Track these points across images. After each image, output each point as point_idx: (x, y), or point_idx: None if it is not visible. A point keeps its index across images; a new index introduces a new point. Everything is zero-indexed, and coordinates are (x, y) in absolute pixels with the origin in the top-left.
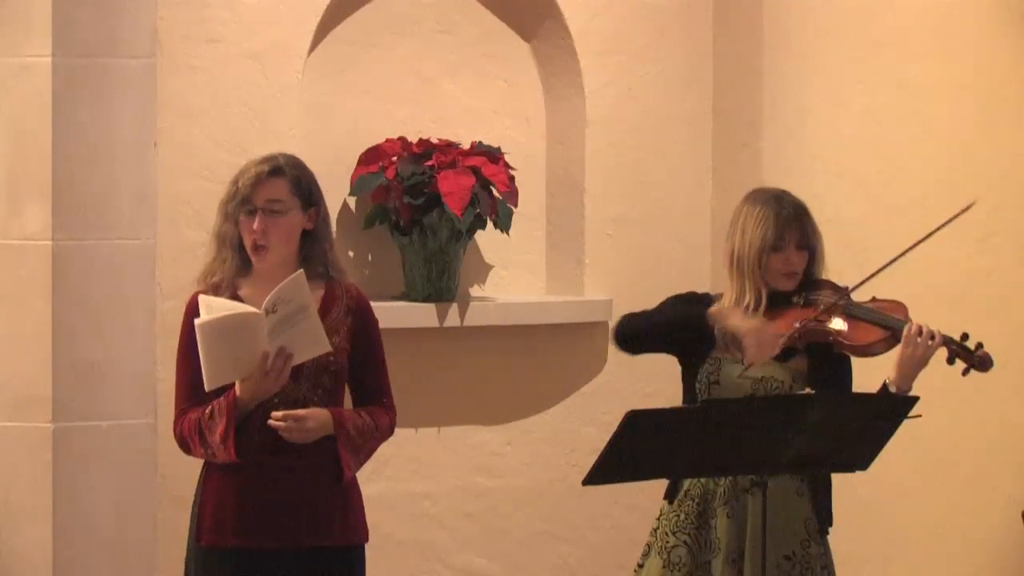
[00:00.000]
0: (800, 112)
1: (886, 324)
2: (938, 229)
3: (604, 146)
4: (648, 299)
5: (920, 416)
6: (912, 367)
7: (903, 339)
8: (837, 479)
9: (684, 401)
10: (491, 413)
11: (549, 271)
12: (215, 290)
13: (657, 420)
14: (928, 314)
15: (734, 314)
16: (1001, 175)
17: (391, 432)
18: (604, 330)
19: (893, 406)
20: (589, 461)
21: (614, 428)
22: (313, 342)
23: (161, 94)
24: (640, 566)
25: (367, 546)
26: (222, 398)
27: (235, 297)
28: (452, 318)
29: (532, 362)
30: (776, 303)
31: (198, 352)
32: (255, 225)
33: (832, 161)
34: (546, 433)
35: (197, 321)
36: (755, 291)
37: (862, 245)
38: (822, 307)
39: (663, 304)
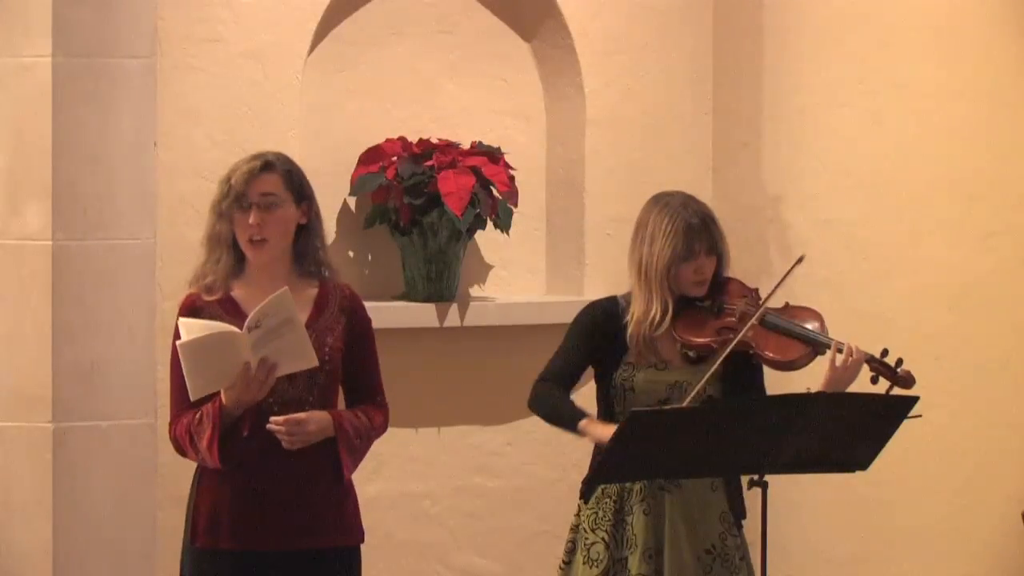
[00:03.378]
0: (800, 112)
1: (807, 339)
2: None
3: (604, 146)
4: None
5: (920, 416)
6: (839, 387)
7: (831, 366)
8: (837, 479)
9: (599, 407)
10: (491, 413)
11: (549, 271)
12: (208, 291)
13: (658, 420)
14: (928, 314)
15: (595, 428)
16: (1001, 175)
17: (384, 430)
18: None
19: (893, 406)
20: (589, 461)
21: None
22: (299, 355)
23: (161, 94)
24: (567, 563)
25: (368, 546)
26: (209, 405)
27: (228, 298)
28: (452, 318)
29: (532, 362)
30: (686, 308)
31: None
32: (251, 219)
33: (832, 161)
34: (546, 433)
35: (178, 342)
36: (661, 303)
37: (862, 245)
38: (738, 318)
39: (567, 341)
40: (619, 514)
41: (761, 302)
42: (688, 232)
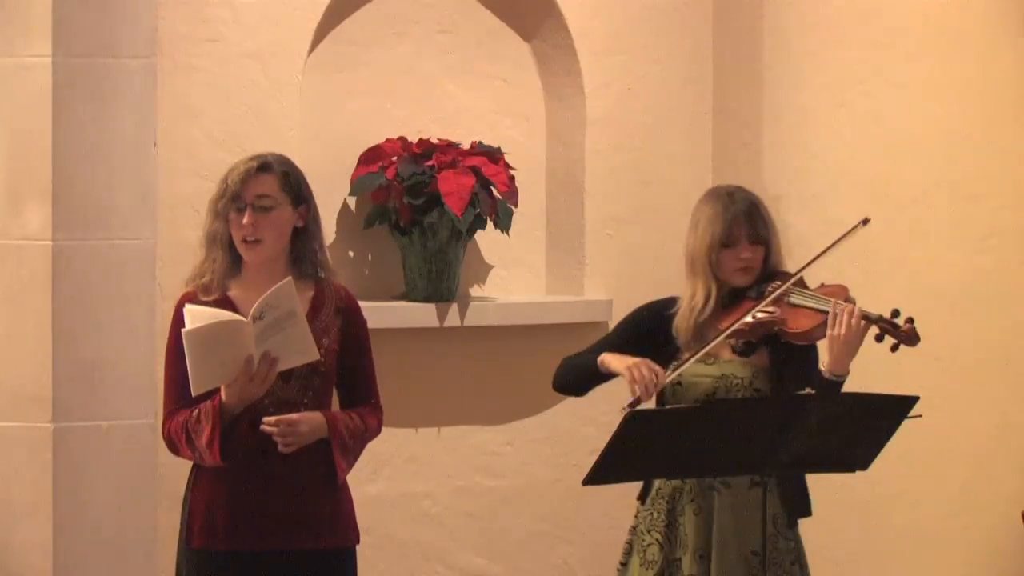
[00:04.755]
0: (800, 112)
1: (821, 308)
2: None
3: (604, 146)
4: (648, 298)
5: (920, 416)
6: (841, 348)
7: (828, 320)
8: (837, 479)
9: (657, 398)
10: (491, 413)
11: (549, 271)
12: (205, 291)
13: (657, 420)
14: (928, 314)
15: (613, 358)
16: (1001, 175)
17: (378, 432)
18: (604, 330)
19: (893, 406)
20: (589, 461)
21: (614, 428)
22: (301, 349)
23: (161, 94)
24: (623, 564)
25: (368, 546)
26: (208, 402)
27: (224, 298)
28: (452, 318)
29: (532, 362)
30: (734, 299)
31: None
32: (245, 220)
33: (832, 161)
34: (546, 433)
35: (183, 330)
36: (705, 289)
37: (862, 245)
38: (767, 299)
39: (610, 331)
40: (672, 514)
41: (791, 277)
42: (727, 217)
